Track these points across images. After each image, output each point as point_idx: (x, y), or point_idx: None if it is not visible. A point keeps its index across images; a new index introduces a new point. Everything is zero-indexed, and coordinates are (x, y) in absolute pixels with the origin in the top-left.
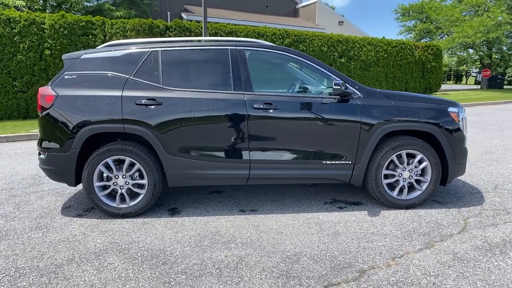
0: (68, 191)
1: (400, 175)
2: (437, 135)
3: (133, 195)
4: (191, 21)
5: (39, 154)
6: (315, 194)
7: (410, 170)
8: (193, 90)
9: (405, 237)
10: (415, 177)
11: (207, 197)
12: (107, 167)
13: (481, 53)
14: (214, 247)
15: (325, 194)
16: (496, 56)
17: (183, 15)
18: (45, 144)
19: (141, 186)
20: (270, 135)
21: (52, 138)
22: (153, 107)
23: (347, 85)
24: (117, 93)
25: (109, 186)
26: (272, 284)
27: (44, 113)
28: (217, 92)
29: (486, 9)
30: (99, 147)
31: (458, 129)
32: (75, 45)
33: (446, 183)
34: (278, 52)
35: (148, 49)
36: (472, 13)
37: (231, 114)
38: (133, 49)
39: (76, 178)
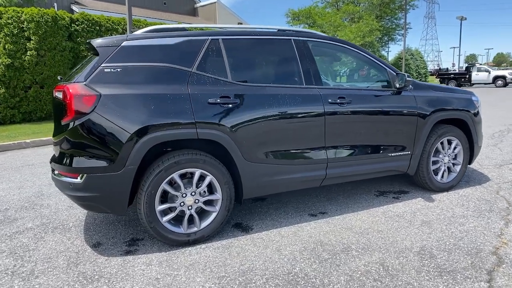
0: (71, 224)
1: (442, 160)
2: (468, 122)
3: (200, 215)
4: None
5: (59, 175)
6: (356, 189)
7: (449, 155)
8: (267, 85)
9: (481, 216)
10: (452, 161)
11: (258, 207)
12: (172, 184)
13: None
14: (338, 257)
15: (365, 187)
16: None
17: (74, 7)
18: (82, 162)
19: (210, 203)
20: (345, 130)
21: (95, 154)
22: (230, 105)
23: None
24: (182, 90)
25: (175, 208)
26: (445, 282)
27: (81, 120)
28: (292, 87)
29: (360, 16)
30: (147, 161)
31: (478, 114)
32: None
33: (470, 163)
34: (338, 44)
35: (206, 37)
36: (348, 19)
37: (309, 110)
38: (189, 36)
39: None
